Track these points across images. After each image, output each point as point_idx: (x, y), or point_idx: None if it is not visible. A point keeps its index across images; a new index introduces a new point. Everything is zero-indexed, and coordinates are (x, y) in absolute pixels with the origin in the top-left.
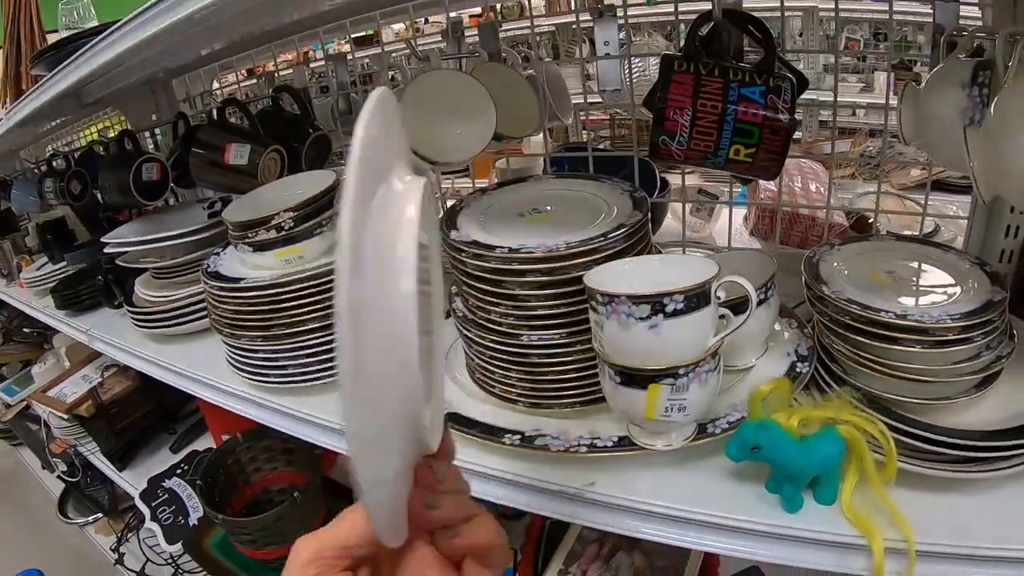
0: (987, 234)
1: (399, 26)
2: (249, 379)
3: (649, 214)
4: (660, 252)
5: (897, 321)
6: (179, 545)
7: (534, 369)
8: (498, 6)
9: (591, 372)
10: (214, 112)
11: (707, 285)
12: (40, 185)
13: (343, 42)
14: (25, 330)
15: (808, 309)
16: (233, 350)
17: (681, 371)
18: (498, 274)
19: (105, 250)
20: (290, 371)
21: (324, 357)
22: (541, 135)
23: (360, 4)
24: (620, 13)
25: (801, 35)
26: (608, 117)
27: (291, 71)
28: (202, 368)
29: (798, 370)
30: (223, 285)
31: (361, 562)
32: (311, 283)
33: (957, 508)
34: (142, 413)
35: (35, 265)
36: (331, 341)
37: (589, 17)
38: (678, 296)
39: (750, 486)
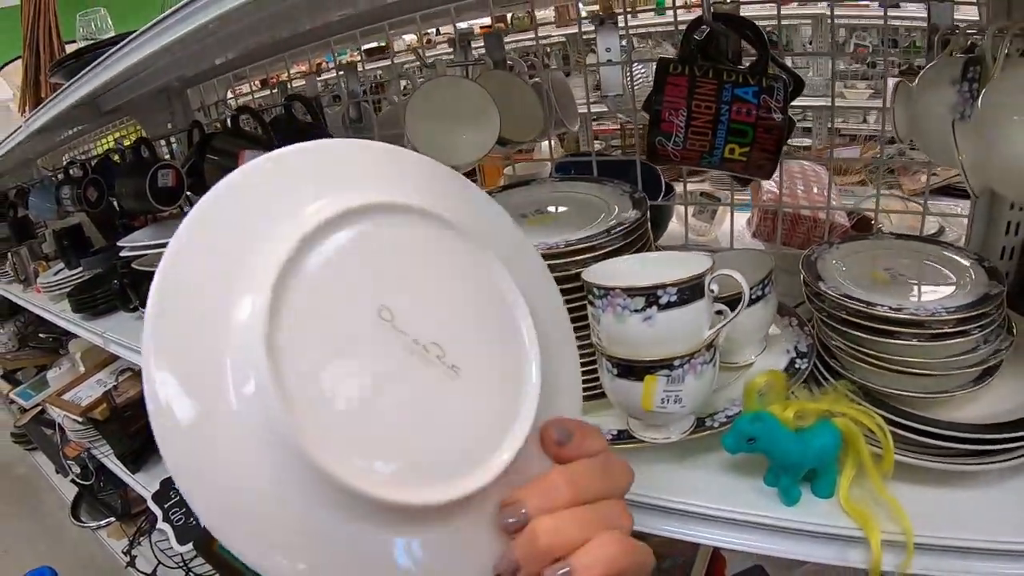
0: (988, 231)
1: (410, 37)
2: None
3: (648, 213)
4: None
5: (893, 315)
6: (190, 546)
7: None
8: (508, 17)
9: (591, 369)
10: (228, 120)
11: (700, 278)
12: (57, 192)
13: (355, 53)
14: (40, 336)
15: (809, 308)
16: None
17: (676, 363)
18: None
19: (121, 253)
20: None
21: None
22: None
23: (370, 14)
24: (621, 22)
25: (811, 43)
26: (619, 126)
27: (303, 82)
28: None
29: (797, 366)
30: None
31: None
32: None
33: (956, 501)
34: None
35: (52, 270)
36: None
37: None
38: (671, 288)
39: (748, 480)
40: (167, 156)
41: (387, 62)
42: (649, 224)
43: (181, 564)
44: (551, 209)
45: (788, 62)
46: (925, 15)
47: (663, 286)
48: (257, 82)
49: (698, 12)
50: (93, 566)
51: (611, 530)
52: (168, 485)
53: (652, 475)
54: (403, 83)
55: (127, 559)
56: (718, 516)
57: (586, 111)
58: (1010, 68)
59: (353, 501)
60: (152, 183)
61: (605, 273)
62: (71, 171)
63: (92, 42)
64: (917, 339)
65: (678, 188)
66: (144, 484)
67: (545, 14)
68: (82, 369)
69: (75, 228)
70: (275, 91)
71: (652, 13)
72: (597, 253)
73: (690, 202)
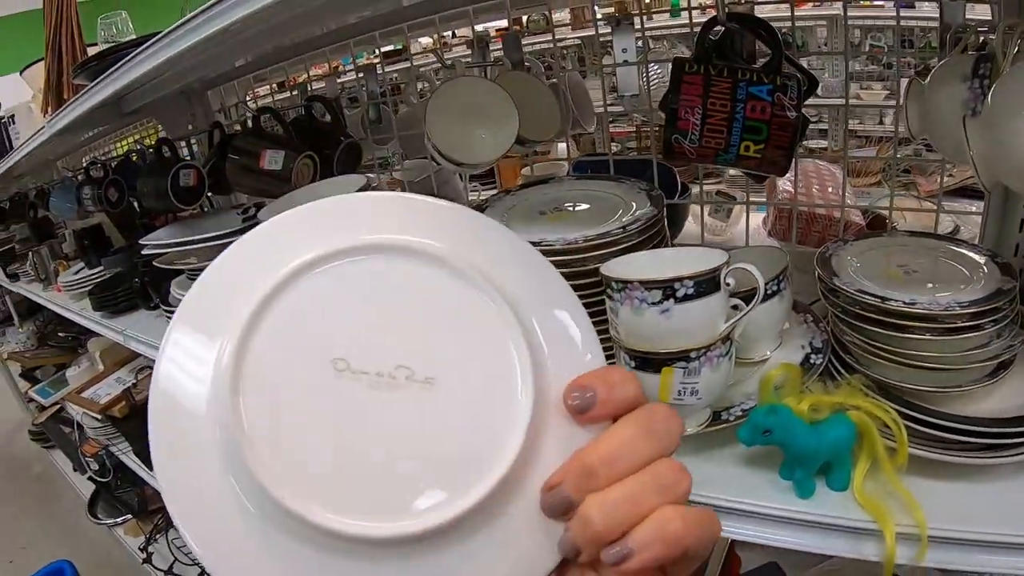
0: (1001, 228)
1: (426, 40)
2: None
3: (664, 210)
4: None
5: (907, 309)
6: None
7: None
8: (524, 19)
9: (609, 363)
10: (250, 120)
11: (717, 272)
12: (78, 192)
13: (373, 56)
14: (60, 334)
15: (824, 305)
16: None
17: (693, 355)
18: None
19: (143, 251)
20: None
21: None
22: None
23: (389, 16)
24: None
25: (826, 44)
26: (634, 128)
27: (323, 84)
28: None
29: (812, 361)
30: None
31: None
32: None
33: (970, 495)
34: None
35: (72, 270)
36: None
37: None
38: (688, 281)
39: (763, 473)
40: (187, 157)
41: (404, 65)
42: (666, 221)
43: (196, 561)
44: (569, 206)
45: (803, 63)
46: (938, 14)
47: (680, 279)
48: (275, 84)
49: (711, 14)
50: (110, 563)
51: (670, 503)
52: None
53: None
54: (420, 85)
55: (143, 556)
56: (733, 508)
57: (603, 112)
58: (1020, 64)
59: (331, 540)
60: (174, 182)
61: (623, 268)
62: (92, 171)
63: (113, 44)
64: (931, 334)
65: (694, 189)
66: None
67: (560, 16)
68: (101, 367)
69: (95, 228)
70: (294, 93)
71: (667, 15)
72: (614, 248)
73: (706, 201)
